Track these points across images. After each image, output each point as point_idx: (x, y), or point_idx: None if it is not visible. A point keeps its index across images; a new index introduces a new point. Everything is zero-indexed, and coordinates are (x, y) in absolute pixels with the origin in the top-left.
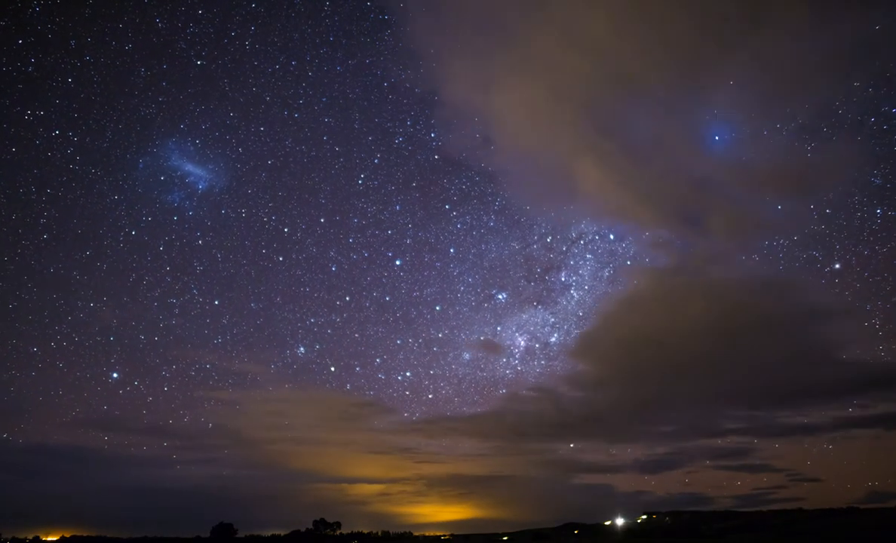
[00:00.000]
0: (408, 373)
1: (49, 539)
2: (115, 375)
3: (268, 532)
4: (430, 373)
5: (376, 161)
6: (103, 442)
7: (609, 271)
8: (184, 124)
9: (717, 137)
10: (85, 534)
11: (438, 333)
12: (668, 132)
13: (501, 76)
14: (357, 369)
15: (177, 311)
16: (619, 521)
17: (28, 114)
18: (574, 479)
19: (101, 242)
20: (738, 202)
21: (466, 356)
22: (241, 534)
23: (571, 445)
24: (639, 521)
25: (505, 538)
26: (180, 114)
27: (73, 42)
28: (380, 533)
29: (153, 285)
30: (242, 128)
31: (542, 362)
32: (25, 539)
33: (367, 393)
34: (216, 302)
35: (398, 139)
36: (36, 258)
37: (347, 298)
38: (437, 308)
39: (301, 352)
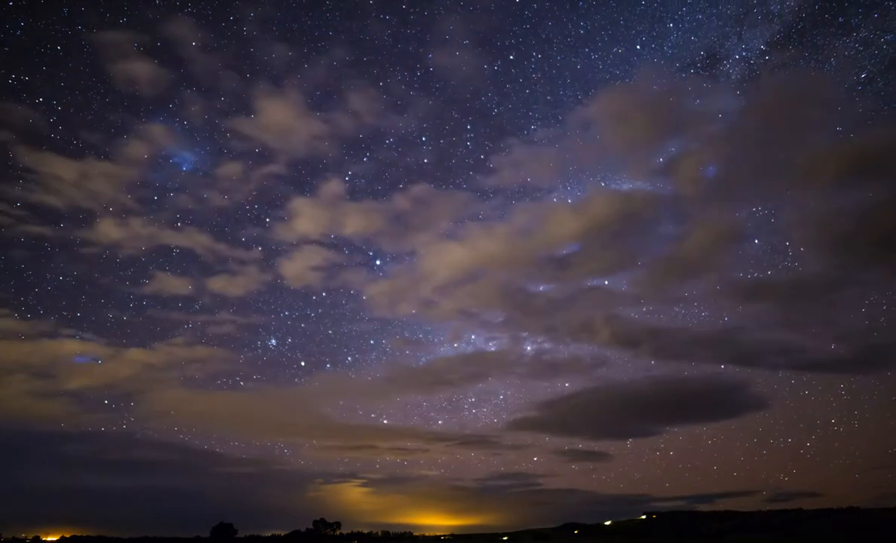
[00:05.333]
0: (378, 375)
1: (49, 539)
2: (80, 358)
3: (268, 533)
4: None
5: (365, 159)
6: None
7: None
8: (173, 104)
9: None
10: (85, 534)
11: (413, 337)
12: None
13: None
14: (328, 366)
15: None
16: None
17: (12, 79)
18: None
19: None
20: None
21: None
22: (241, 534)
23: None
24: (639, 521)
25: (505, 538)
26: (171, 93)
27: (65, 10)
28: (380, 534)
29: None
30: (233, 113)
31: None
32: (25, 538)
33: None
34: (189, 288)
35: (388, 139)
36: (10, 227)
37: (324, 294)
38: (413, 311)
39: (272, 345)
